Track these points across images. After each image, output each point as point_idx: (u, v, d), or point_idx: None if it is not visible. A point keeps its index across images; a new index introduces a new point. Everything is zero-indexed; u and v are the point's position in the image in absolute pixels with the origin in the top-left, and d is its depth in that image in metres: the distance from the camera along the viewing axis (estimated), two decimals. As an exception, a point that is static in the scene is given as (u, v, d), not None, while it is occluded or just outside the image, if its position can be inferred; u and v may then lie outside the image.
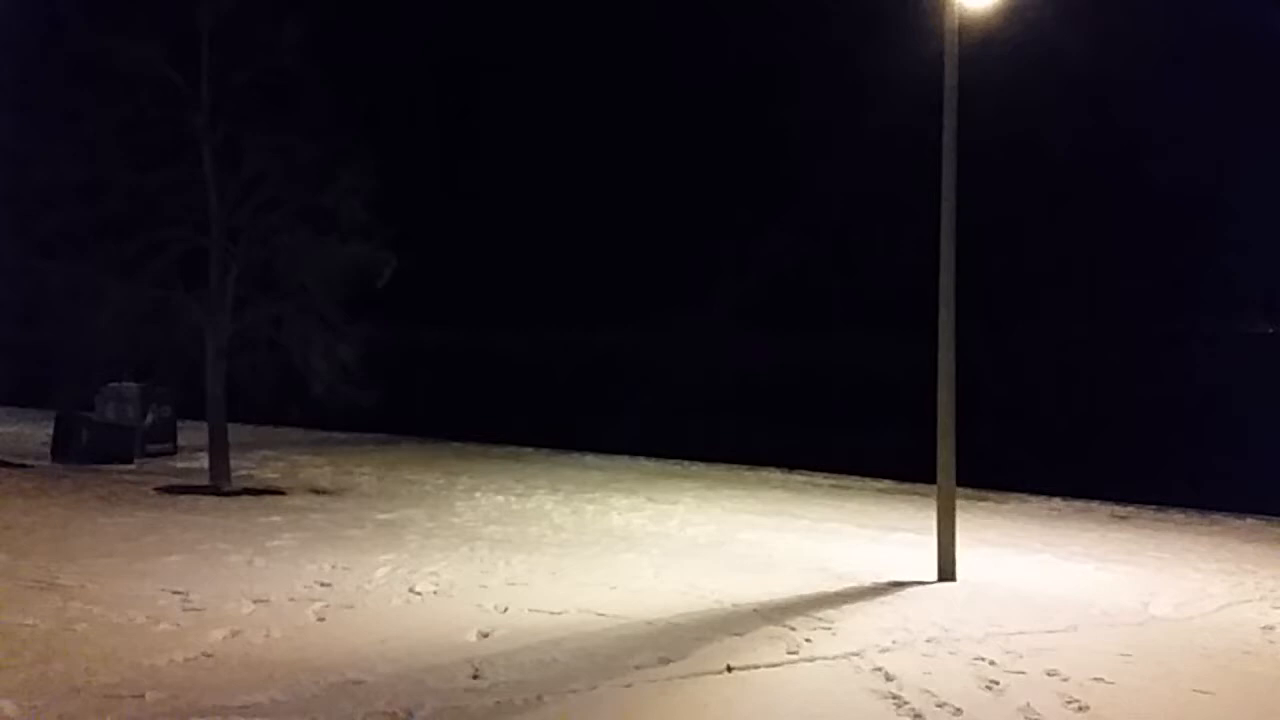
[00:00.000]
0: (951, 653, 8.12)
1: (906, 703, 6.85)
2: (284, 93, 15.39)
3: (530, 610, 9.01)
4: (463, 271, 31.55)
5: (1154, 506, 17.54)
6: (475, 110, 34.10)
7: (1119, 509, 17.42)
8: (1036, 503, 17.99)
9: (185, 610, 8.50)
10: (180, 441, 20.11)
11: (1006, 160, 27.03)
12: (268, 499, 14.99)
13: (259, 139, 15.32)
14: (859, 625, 8.94)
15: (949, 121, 11.30)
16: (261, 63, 15.10)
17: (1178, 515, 16.84)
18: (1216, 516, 16.78)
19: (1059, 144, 30.58)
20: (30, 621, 7.91)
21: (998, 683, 7.36)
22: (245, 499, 14.86)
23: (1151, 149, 30.85)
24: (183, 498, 14.68)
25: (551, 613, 8.96)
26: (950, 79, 11.29)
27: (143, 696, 6.37)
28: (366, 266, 15.60)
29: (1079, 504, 17.85)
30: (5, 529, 11.66)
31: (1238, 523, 16.37)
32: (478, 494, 16.46)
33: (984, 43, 11.88)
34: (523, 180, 33.92)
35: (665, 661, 7.61)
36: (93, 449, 18.11)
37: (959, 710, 6.73)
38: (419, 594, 9.49)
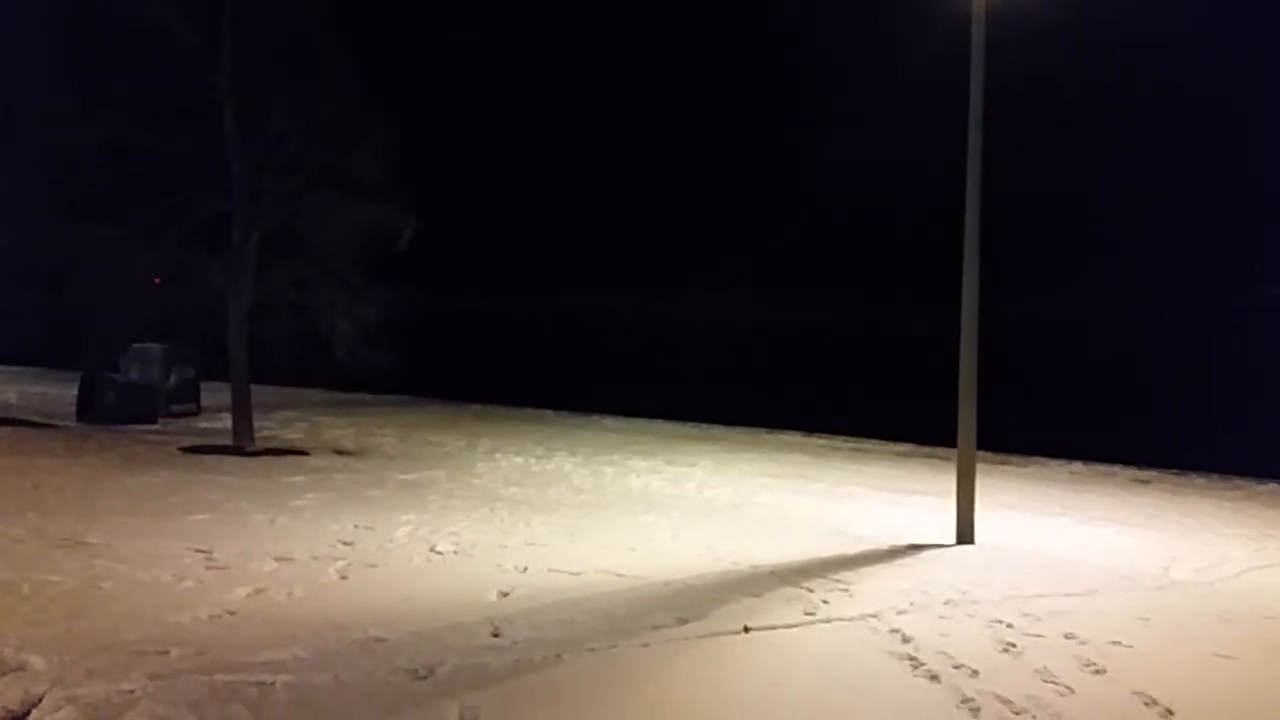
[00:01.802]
0: (969, 615, 8.13)
1: (923, 664, 6.86)
2: (305, 54, 15.35)
3: (549, 570, 9.08)
4: (483, 236, 31.59)
5: (1176, 471, 17.50)
6: (499, 73, 33.94)
7: (1140, 473, 17.37)
8: (1057, 466, 17.95)
9: (209, 568, 8.60)
10: (204, 402, 20.34)
11: (1033, 123, 26.66)
12: (290, 459, 15.13)
13: (280, 100, 15.31)
14: (876, 587, 8.96)
15: (976, 80, 11.14)
16: (283, 24, 15.05)
17: (1200, 480, 16.78)
18: (1239, 481, 16.70)
19: (1088, 104, 30.12)
20: (58, 579, 8.02)
21: (1015, 645, 7.37)
22: (268, 459, 15.02)
23: (1185, 110, 30.33)
24: (206, 457, 14.84)
25: (570, 573, 9.02)
26: (977, 35, 11.12)
27: (167, 653, 6.46)
28: (387, 229, 15.63)
29: (1100, 468, 17.81)
30: (34, 488, 11.82)
31: (1261, 488, 16.29)
32: (498, 455, 16.56)
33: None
34: (543, 144, 33.82)
35: (683, 622, 7.66)
36: (117, 409, 18.34)
37: (975, 672, 6.74)
38: (440, 553, 9.58)
